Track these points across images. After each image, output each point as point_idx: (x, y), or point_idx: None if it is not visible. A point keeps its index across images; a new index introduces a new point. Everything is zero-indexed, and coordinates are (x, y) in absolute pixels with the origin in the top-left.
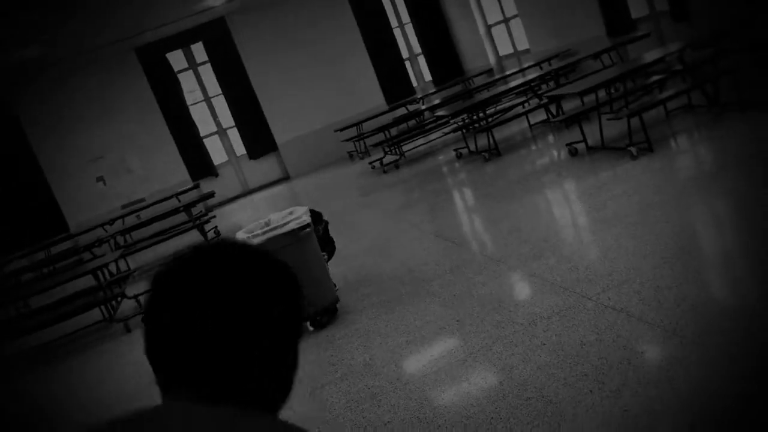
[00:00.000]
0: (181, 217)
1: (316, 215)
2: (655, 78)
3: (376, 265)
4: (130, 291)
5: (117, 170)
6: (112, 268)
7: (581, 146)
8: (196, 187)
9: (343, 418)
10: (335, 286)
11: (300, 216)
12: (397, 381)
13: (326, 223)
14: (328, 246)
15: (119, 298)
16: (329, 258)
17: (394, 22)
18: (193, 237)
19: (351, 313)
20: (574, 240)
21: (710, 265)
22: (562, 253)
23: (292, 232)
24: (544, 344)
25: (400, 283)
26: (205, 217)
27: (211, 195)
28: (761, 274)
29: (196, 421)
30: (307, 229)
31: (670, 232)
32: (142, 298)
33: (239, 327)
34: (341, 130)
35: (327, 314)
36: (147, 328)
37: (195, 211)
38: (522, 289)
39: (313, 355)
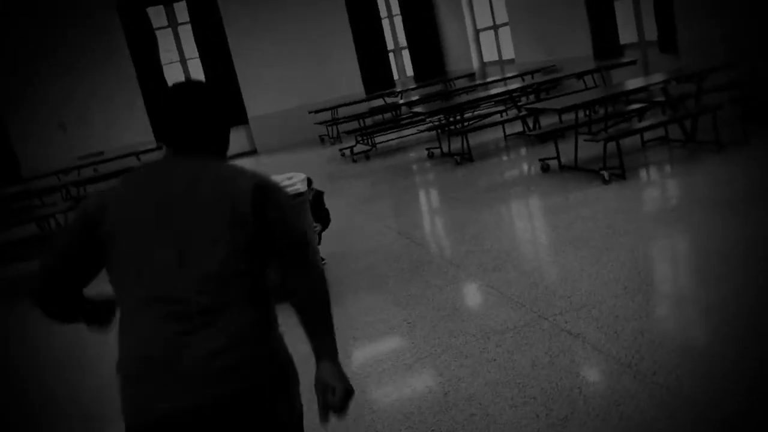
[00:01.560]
0: None
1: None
2: (636, 106)
3: (335, 255)
4: None
5: (78, 120)
6: (60, 218)
7: (554, 163)
8: (159, 148)
9: None
10: (323, 260)
11: (294, 183)
12: None
13: (317, 192)
14: (321, 217)
15: None
16: (323, 229)
17: (383, 12)
18: None
19: None
20: (536, 256)
21: (671, 303)
22: (522, 268)
23: None
24: (495, 360)
25: (357, 275)
26: None
27: None
28: (720, 317)
29: (192, 163)
30: (299, 198)
31: (634, 262)
32: None
33: (209, 114)
34: (316, 112)
35: None
36: (164, 118)
37: None
38: (478, 300)
39: None
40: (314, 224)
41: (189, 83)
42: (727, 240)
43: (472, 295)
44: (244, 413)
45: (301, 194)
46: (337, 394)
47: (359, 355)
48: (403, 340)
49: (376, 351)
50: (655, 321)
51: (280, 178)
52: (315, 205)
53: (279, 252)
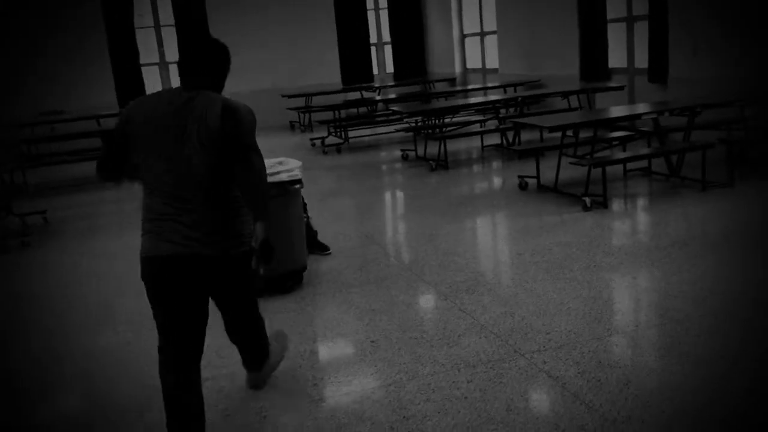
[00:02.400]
0: (96, 141)
1: None
2: (622, 133)
3: None
4: (19, 207)
5: (42, 76)
6: (7, 177)
7: (533, 182)
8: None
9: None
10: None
11: (292, 169)
12: (288, 399)
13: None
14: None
15: (2, 213)
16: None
17: (370, 4)
18: None
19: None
20: (512, 282)
21: (659, 353)
22: (497, 293)
23: (281, 183)
24: (466, 397)
25: (317, 279)
26: None
27: None
28: (712, 372)
29: (185, 95)
30: (297, 185)
31: (617, 302)
32: (29, 219)
33: (215, 57)
34: (289, 96)
35: (293, 279)
36: (181, 57)
37: None
38: (449, 324)
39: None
40: (304, 215)
41: (202, 39)
42: (715, 286)
43: (443, 317)
44: (213, 269)
45: (298, 181)
46: (259, 242)
47: (314, 374)
48: (365, 363)
49: (333, 372)
50: (641, 372)
51: (270, 162)
52: None
53: (236, 155)
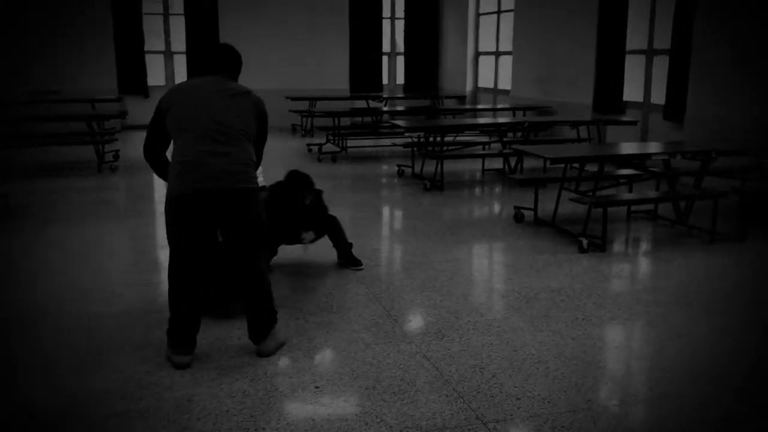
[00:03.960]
0: (84, 126)
1: (301, 179)
2: (629, 172)
3: None
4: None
5: (42, 56)
6: None
7: (529, 214)
8: (119, 100)
9: None
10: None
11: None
12: None
13: (319, 192)
14: (319, 222)
15: None
16: (317, 238)
17: (387, 12)
18: (87, 151)
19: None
20: (488, 328)
21: None
22: (470, 341)
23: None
24: None
25: (277, 304)
26: (107, 137)
27: (122, 116)
28: None
29: (221, 79)
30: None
31: (603, 366)
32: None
33: (231, 58)
34: (293, 99)
35: None
36: (208, 59)
37: (108, 125)
38: (409, 374)
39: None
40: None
41: (225, 44)
42: (717, 358)
43: (403, 364)
44: (237, 201)
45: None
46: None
47: (240, 423)
48: (301, 415)
49: (263, 422)
50: None
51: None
52: (316, 208)
53: (258, 134)
